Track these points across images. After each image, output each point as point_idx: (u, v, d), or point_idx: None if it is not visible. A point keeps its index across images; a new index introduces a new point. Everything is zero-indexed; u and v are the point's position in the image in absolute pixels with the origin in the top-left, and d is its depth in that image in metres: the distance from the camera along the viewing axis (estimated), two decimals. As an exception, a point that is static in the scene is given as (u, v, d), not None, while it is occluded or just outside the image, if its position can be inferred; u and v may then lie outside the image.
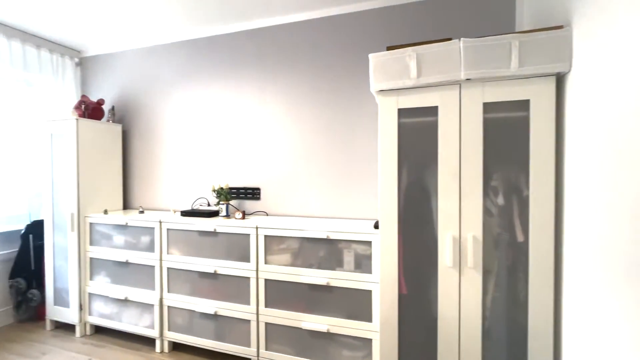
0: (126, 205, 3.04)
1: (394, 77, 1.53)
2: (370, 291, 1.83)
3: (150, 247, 2.35)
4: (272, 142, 2.54)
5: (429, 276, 1.53)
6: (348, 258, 1.88)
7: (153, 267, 2.33)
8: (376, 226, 1.90)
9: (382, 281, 1.60)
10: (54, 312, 2.64)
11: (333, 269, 1.90)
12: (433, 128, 1.50)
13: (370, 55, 1.57)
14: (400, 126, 1.56)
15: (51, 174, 2.63)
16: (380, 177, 1.60)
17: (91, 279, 2.55)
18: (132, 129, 3.02)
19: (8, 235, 2.75)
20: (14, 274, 2.73)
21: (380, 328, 1.61)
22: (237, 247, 2.11)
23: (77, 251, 2.53)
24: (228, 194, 2.43)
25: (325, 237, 1.90)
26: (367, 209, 2.29)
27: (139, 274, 2.38)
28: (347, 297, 1.88)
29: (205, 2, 2.28)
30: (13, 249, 2.76)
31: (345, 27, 2.34)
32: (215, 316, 2.16)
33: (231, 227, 2.12)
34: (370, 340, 1.84)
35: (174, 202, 2.85)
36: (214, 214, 2.40)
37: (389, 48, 1.57)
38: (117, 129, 2.88)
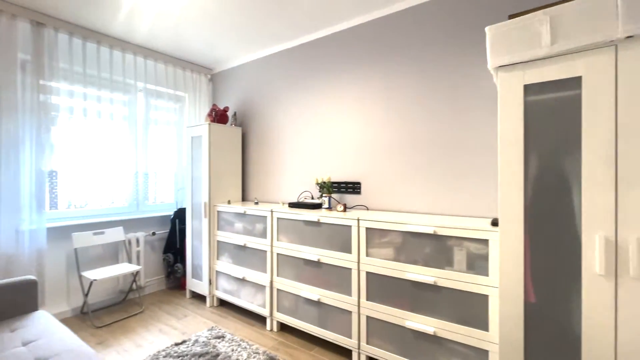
0: (244, 198, 3.49)
1: (519, 48, 1.33)
2: (486, 296, 1.62)
3: (263, 234, 2.62)
4: (373, 134, 2.53)
5: (567, 284, 1.26)
6: (459, 257, 1.71)
7: (265, 252, 2.60)
8: (494, 223, 1.67)
9: (503, 286, 1.39)
10: (192, 283, 3.22)
11: (441, 267, 1.76)
12: (573, 104, 1.24)
13: (488, 28, 1.40)
14: (526, 106, 1.34)
15: (191, 170, 3.23)
16: (500, 166, 1.40)
17: (218, 258, 3.01)
18: (249, 131, 3.45)
19: (163, 219, 3.48)
20: (165, 249, 3.45)
21: (500, 340, 1.40)
22: (339, 238, 2.16)
23: (207, 234, 3.02)
24: (330, 187, 2.53)
25: (431, 232, 1.78)
26: (479, 206, 2.04)
27: (254, 257, 2.68)
28: (458, 300, 1.71)
29: (304, 11, 2.44)
30: (166, 230, 3.49)
31: (451, 5, 2.16)
32: (318, 303, 2.27)
33: (333, 218, 2.19)
34: (487, 352, 1.62)
35: (282, 195, 3.13)
36: (317, 206, 2.53)
37: (512, 16, 1.37)
38: (238, 131, 3.34)
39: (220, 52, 3.31)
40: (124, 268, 2.84)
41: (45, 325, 1.68)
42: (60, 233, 2.73)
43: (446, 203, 2.18)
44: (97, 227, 2.95)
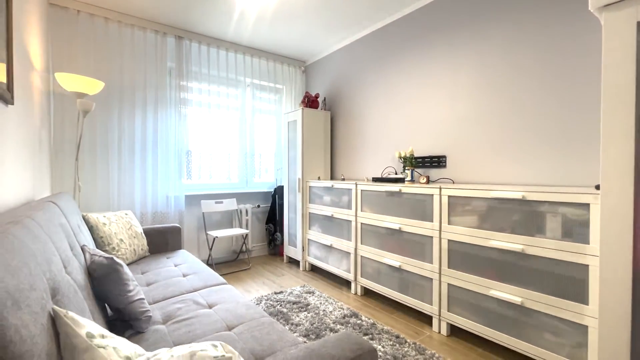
0: (332, 175, 3.79)
1: (629, -20, 1.17)
2: (586, 266, 1.47)
3: (348, 205, 2.85)
4: (461, 106, 2.45)
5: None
6: (553, 224, 1.59)
7: (350, 222, 2.81)
8: (599, 187, 1.49)
9: (605, 254, 1.26)
10: (288, 250, 3.68)
11: (531, 235, 1.66)
12: None
13: (589, -35, 1.27)
14: (639, 47, 1.18)
15: (287, 151, 3.68)
16: (603, 118, 1.26)
17: (309, 228, 3.38)
18: (337, 114, 3.71)
19: (265, 195, 4.06)
20: (267, 220, 4.02)
21: (600, 314, 1.28)
22: (420, 207, 2.21)
23: (301, 207, 3.42)
24: (413, 161, 2.57)
25: (520, 197, 1.69)
26: (582, 175, 1.81)
27: (340, 227, 2.93)
28: (550, 270, 1.59)
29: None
30: (268, 204, 4.06)
31: (558, -45, 1.93)
32: (399, 270, 2.37)
33: (415, 187, 2.25)
34: (586, 327, 1.48)
35: (367, 171, 3.29)
36: (400, 180, 2.60)
37: (622, -54, 1.21)
38: (327, 115, 3.63)
39: (311, 44, 3.64)
40: (237, 231, 3.46)
41: (186, 257, 2.27)
42: (193, 200, 3.50)
43: (542, 174, 1.99)
44: (218, 197, 3.66)
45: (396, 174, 2.93)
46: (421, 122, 2.74)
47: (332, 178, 3.77)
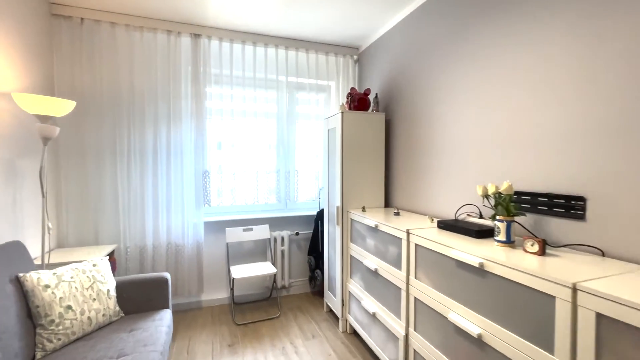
0: (387, 202, 2.75)
1: None
2: None
3: (397, 261, 1.83)
4: (603, 110, 1.18)
5: None
6: None
7: (399, 289, 1.80)
8: None
9: None
10: (328, 296, 2.83)
11: None
12: None
13: None
14: None
15: (327, 167, 2.81)
16: None
17: (351, 276, 2.46)
18: (395, 117, 2.65)
19: (308, 219, 3.28)
20: (309, 251, 3.24)
21: None
22: (527, 313, 1.08)
23: (340, 245, 2.52)
24: (511, 204, 1.40)
25: None
26: None
27: (387, 290, 1.94)
28: None
29: None
30: (310, 231, 3.28)
31: None
32: (477, 410, 1.28)
33: (513, 269, 1.12)
34: None
35: (435, 205, 2.18)
36: (484, 233, 1.48)
37: None
38: (380, 117, 2.61)
39: (363, 21, 2.66)
40: (263, 269, 2.78)
41: (159, 326, 1.65)
42: (215, 227, 2.96)
43: None
44: (247, 223, 3.04)
45: (481, 217, 1.76)
46: (528, 135, 1.52)
47: (387, 206, 2.74)
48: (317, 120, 3.21)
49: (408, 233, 1.72)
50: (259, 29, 2.81)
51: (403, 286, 1.76)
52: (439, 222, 1.74)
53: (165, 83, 2.65)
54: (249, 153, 2.99)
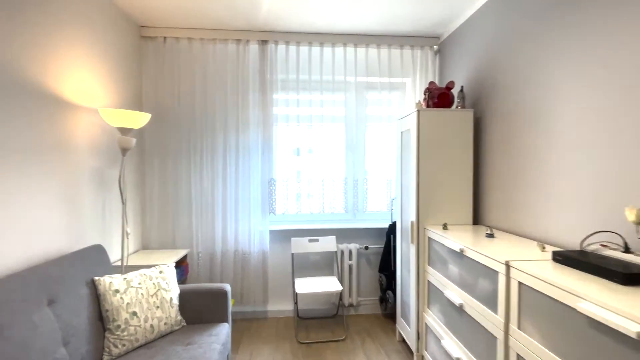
0: (477, 219, 2.25)
1: None
2: None
3: (491, 301, 1.40)
4: None
5: None
6: None
7: (494, 338, 1.36)
8: None
9: None
10: (400, 324, 2.46)
11: None
12: None
13: None
14: None
15: (400, 174, 2.45)
16: None
17: (428, 306, 2.06)
18: (487, 114, 2.16)
19: (379, 232, 2.96)
20: (380, 268, 2.91)
21: None
22: None
23: (415, 267, 2.14)
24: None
25: None
26: None
27: (476, 334, 1.51)
28: None
29: None
30: (381, 245, 2.95)
31: None
32: None
33: None
34: None
35: (547, 226, 1.65)
36: (635, 277, 0.97)
37: None
38: (467, 115, 2.16)
39: (443, 3, 2.26)
40: (328, 285, 2.57)
41: (214, 343, 1.58)
42: (280, 236, 2.87)
43: None
44: (313, 234, 2.88)
45: (626, 249, 1.21)
46: None
47: (476, 224, 2.25)
48: (389, 123, 2.87)
49: (508, 266, 1.29)
50: (326, 28, 2.65)
51: (499, 335, 1.32)
52: (555, 254, 1.26)
53: (234, 92, 2.68)
54: (315, 160, 2.83)
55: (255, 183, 2.71)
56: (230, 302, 2.02)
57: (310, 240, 2.80)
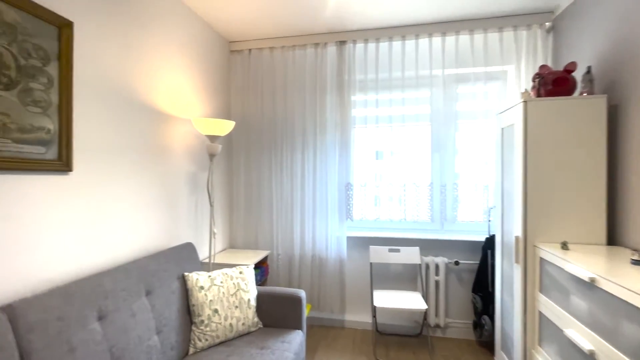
0: (613, 238, 1.72)
1: None
2: None
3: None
4: None
5: None
6: None
7: (651, 409, 0.97)
8: None
9: None
10: (499, 357, 2.05)
11: None
12: None
13: None
14: None
15: (500, 179, 2.06)
16: None
17: (540, 343, 1.65)
18: (627, 100, 1.64)
19: (473, 246, 2.57)
20: (474, 287, 2.51)
21: None
22: None
23: (521, 292, 1.74)
24: None
25: None
26: None
27: (617, 399, 1.11)
28: None
29: None
30: (475, 261, 2.55)
31: None
32: None
33: None
34: None
35: None
36: None
37: None
38: (597, 104, 1.67)
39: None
40: (411, 302, 2.32)
41: (287, 351, 1.55)
42: (358, 243, 2.73)
43: None
44: (393, 243, 2.67)
45: None
46: None
47: (611, 244, 1.72)
48: (485, 119, 2.47)
49: (676, 311, 0.89)
50: (408, 19, 2.43)
51: (662, 408, 0.93)
52: None
53: (312, 96, 2.68)
54: (397, 163, 2.62)
55: (332, 187, 2.65)
56: (306, 308, 1.98)
57: (390, 250, 2.59)
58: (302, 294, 1.94)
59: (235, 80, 2.83)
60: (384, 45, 2.60)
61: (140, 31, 1.78)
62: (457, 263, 2.57)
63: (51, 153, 1.28)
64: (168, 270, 1.68)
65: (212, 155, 2.08)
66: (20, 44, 1.17)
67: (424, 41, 2.54)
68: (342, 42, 2.63)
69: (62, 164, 1.32)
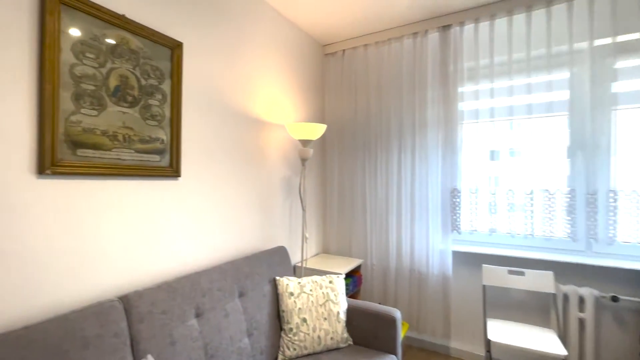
0: None
1: None
2: None
3: None
4: None
5: None
6: None
7: None
8: None
9: None
10: None
11: None
12: None
13: None
14: None
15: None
16: None
17: None
18: None
19: (636, 276, 1.87)
20: (644, 336, 1.81)
21: None
22: None
23: None
24: None
25: None
26: None
27: None
28: None
29: None
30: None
31: None
32: None
33: None
34: None
35: None
36: None
37: None
38: None
39: None
40: (541, 342, 1.81)
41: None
42: (467, 260, 2.32)
43: None
44: (515, 263, 2.16)
45: None
46: None
47: None
48: (665, 100, 1.75)
49: None
50: (537, -16, 1.93)
51: None
52: None
53: (410, 91, 2.42)
54: (518, 165, 2.12)
55: (434, 193, 2.32)
56: (401, 331, 1.75)
57: (511, 272, 2.10)
58: (398, 314, 1.72)
59: (329, 83, 2.80)
60: (500, 22, 2.15)
61: (240, 44, 1.89)
62: (615, 299, 1.89)
63: (164, 161, 1.44)
64: (261, 273, 1.71)
65: (304, 160, 2.07)
66: (142, 66, 1.35)
67: (559, 7, 1.99)
68: (446, 27, 2.29)
69: (173, 170, 1.47)
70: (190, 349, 1.22)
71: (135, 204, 1.34)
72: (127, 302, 1.14)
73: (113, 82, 1.25)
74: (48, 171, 1.06)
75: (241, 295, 1.56)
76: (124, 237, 1.29)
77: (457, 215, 2.27)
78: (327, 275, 1.85)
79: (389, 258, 2.49)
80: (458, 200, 2.26)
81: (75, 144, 1.14)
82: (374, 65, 2.57)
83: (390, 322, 1.70)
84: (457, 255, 2.35)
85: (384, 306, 1.78)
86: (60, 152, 1.10)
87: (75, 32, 1.14)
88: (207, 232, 1.66)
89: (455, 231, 2.29)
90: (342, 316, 1.74)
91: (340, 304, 1.77)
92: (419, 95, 2.37)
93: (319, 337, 1.65)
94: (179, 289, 1.29)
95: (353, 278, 2.40)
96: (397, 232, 2.47)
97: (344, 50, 2.71)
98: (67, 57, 1.12)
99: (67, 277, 1.12)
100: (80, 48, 1.15)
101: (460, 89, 2.25)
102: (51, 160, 1.07)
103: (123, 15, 1.28)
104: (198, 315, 1.32)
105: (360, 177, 2.63)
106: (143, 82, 1.35)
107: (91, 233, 1.19)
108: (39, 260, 1.05)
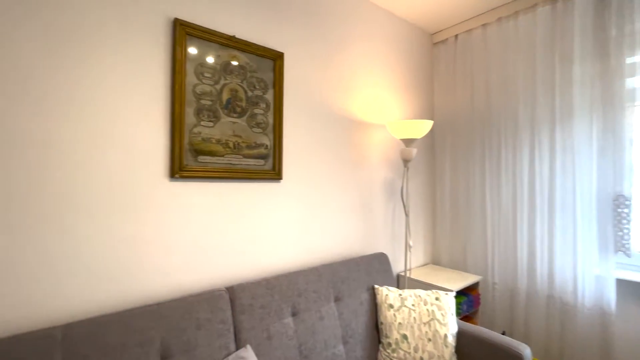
0: None
1: None
2: None
3: None
4: None
5: None
6: None
7: None
8: None
9: None
10: None
11: None
12: None
13: None
14: None
15: None
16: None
17: None
18: None
19: None
20: None
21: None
22: None
23: None
24: None
25: None
26: None
27: None
28: None
29: None
30: None
31: None
32: None
33: None
34: None
35: None
36: None
37: None
38: None
39: None
40: None
41: None
42: (638, 292, 1.67)
43: None
44: None
45: None
46: None
47: None
48: None
49: None
50: None
51: None
52: None
53: (548, 70, 1.92)
54: None
55: (585, 200, 1.78)
56: (531, 374, 1.38)
57: None
58: (527, 351, 1.37)
59: (438, 74, 2.51)
60: None
61: (339, 45, 1.88)
62: None
63: (268, 165, 1.55)
64: (358, 279, 1.64)
65: (406, 161, 1.90)
66: (248, 79, 1.49)
67: None
68: (604, -21, 1.72)
69: (275, 173, 1.57)
70: (285, 347, 1.26)
71: (242, 204, 1.48)
72: (232, 293, 1.25)
73: (225, 96, 1.42)
74: (177, 175, 1.28)
75: (337, 299, 1.53)
76: (232, 233, 1.44)
77: (625, 231, 1.67)
78: (434, 291, 1.64)
79: (517, 278, 2.04)
80: (626, 211, 1.66)
81: (197, 152, 1.33)
82: (495, 47, 2.16)
83: (515, 359, 1.36)
84: (623, 284, 1.73)
85: (508, 338, 1.45)
86: (186, 159, 1.31)
87: (196, 56, 1.34)
88: (305, 232, 1.71)
89: (621, 252, 1.69)
90: (451, 340, 1.50)
91: (449, 325, 1.53)
92: (560, 75, 1.87)
93: (421, 358, 1.47)
94: (277, 286, 1.35)
95: (468, 297, 2.07)
96: (529, 246, 2.01)
97: (456, 35, 2.39)
98: (190, 79, 1.32)
99: (187, 264, 1.32)
100: (201, 70, 1.35)
101: (628, 60, 1.65)
102: (179, 166, 1.29)
103: (233, 36, 1.43)
104: (294, 314, 1.36)
105: (479, 180, 2.26)
106: (249, 93, 1.49)
107: (206, 228, 1.37)
108: (168, 248, 1.27)
